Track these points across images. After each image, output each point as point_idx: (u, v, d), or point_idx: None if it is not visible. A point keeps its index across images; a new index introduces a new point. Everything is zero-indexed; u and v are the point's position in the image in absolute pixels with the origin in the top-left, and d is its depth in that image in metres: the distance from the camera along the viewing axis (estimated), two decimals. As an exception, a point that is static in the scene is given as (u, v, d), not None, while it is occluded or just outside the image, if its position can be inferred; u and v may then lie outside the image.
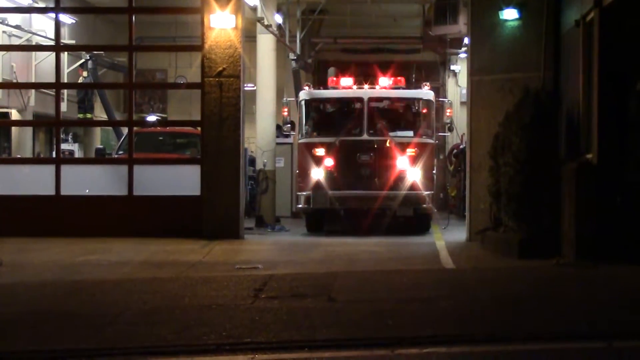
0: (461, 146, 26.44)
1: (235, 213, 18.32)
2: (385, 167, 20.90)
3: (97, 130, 32.36)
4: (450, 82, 35.14)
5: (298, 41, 28.07)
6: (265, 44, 24.23)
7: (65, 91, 26.09)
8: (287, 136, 25.92)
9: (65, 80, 25.62)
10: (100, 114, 29.55)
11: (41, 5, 25.14)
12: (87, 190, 18.85)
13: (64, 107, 24.00)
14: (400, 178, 20.81)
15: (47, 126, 28.72)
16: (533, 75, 16.87)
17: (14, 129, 27.13)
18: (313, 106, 22.28)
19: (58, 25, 19.88)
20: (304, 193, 21.19)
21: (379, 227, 20.52)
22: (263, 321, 8.97)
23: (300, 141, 22.17)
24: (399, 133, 21.64)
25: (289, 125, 23.76)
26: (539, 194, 14.79)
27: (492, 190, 16.35)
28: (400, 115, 22.56)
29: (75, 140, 30.38)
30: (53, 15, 20.34)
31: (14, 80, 25.16)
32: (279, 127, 25.54)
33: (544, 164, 14.85)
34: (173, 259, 14.94)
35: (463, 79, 29.32)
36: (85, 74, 26.88)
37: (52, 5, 20.47)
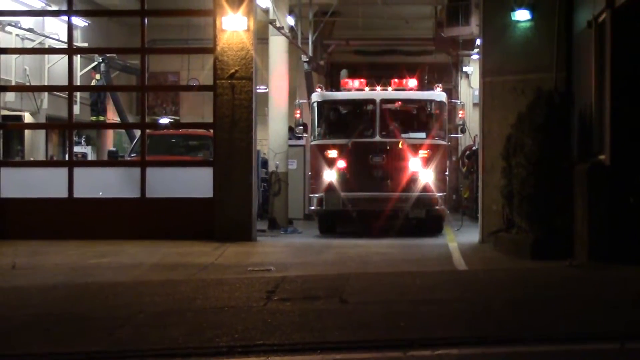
0: (474, 148, 26.40)
1: (248, 215, 18.33)
2: (398, 169, 20.88)
3: (110, 133, 32.41)
4: (462, 84, 35.14)
5: (310, 43, 28.08)
6: (278, 46, 24.23)
7: (78, 94, 26.18)
8: (299, 138, 25.93)
9: (78, 83, 25.76)
10: (113, 117, 29.61)
11: (54, 8, 25.21)
12: (100, 193, 18.88)
13: (76, 109, 24.06)
14: (412, 180, 20.79)
15: (60, 129, 28.84)
16: (545, 76, 16.82)
17: (27, 131, 27.21)
18: (325, 108, 22.28)
19: (71, 28, 19.93)
20: (317, 195, 21.19)
21: (391, 228, 20.51)
22: (275, 323, 8.97)
23: (312, 143, 22.18)
24: (412, 135, 21.63)
25: (302, 127, 23.79)
26: (551, 195, 14.76)
27: (505, 191, 16.33)
28: (412, 116, 22.55)
29: (88, 143, 30.49)
30: (66, 18, 20.42)
31: (27, 83, 25.24)
32: (291, 129, 25.55)
33: (556, 165, 14.83)
34: (185, 261, 14.95)
35: (475, 80, 29.32)
36: (97, 76, 26.92)
37: (64, 8, 20.55)
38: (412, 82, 22.15)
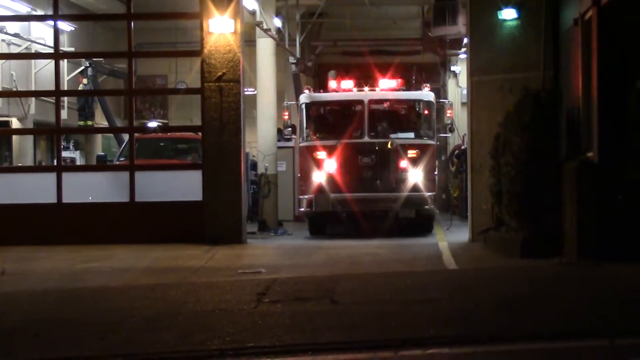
0: (462, 147, 26.44)
1: (238, 218, 18.31)
2: (387, 169, 20.91)
3: (98, 137, 32.38)
4: (450, 83, 35.16)
5: (298, 45, 28.10)
6: (265, 48, 24.23)
7: (65, 99, 26.11)
8: (288, 140, 25.92)
9: (65, 88, 25.68)
10: (101, 121, 29.56)
11: (40, 13, 25.15)
12: (90, 198, 18.83)
13: (64, 114, 24.02)
14: (402, 180, 20.83)
15: (48, 134, 28.75)
16: (533, 74, 16.86)
17: (14, 137, 27.16)
18: (314, 109, 22.29)
19: (57, 32, 19.87)
20: (306, 196, 21.19)
21: (381, 229, 20.49)
22: (266, 325, 8.98)
23: (301, 144, 22.19)
24: (400, 135, 21.65)
25: (290, 128, 23.77)
26: (540, 193, 14.78)
27: (494, 190, 16.36)
28: (401, 117, 22.58)
29: (76, 148, 30.39)
30: (52, 22, 20.32)
31: (14, 89, 25.18)
32: (280, 131, 25.57)
33: (544, 164, 14.84)
34: (176, 265, 14.94)
35: (463, 79, 29.33)
36: (85, 81, 26.87)
37: (50, 12, 20.47)
38: (393, 83, 22.16)
